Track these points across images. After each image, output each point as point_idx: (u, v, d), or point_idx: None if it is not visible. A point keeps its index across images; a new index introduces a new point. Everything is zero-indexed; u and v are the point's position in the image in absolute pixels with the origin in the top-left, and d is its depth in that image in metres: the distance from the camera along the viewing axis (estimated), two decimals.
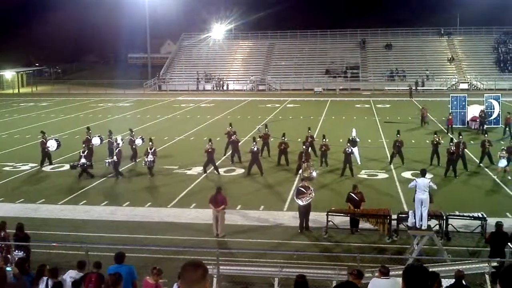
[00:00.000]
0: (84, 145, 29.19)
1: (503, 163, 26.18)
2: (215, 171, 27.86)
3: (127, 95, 72.01)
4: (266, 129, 32.76)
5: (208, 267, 14.78)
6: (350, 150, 27.28)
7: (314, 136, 32.19)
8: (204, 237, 19.01)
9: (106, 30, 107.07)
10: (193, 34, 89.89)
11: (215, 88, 77.24)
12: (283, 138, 29.43)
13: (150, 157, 27.84)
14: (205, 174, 27.78)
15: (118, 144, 28.62)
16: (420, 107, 42.18)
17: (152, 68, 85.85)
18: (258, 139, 30.78)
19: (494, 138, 33.40)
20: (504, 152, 26.45)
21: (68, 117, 50.55)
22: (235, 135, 30.44)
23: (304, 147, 27.96)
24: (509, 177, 26.03)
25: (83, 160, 27.49)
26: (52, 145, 29.97)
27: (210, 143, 27.98)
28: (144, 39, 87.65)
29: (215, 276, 13.99)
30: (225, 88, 77.11)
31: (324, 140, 29.04)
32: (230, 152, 30.78)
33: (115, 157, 27.50)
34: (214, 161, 28.16)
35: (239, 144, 30.64)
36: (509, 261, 14.04)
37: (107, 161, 27.89)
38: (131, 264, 12.80)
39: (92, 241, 17.86)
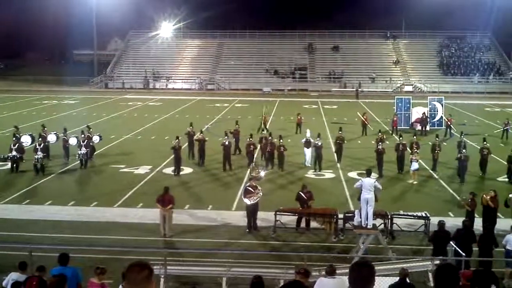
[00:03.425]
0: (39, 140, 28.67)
1: (414, 166, 26.13)
2: (175, 170, 27.37)
3: (73, 92, 70.42)
4: (237, 125, 33.09)
5: (155, 267, 14.53)
6: (319, 144, 28.14)
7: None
8: (152, 237, 18.83)
9: (52, 26, 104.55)
10: (141, 31, 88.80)
11: (144, 87, 76.26)
12: (251, 139, 29.40)
13: (83, 150, 28.10)
14: (176, 175, 27.21)
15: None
16: (361, 114, 40.87)
17: (98, 65, 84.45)
18: (230, 134, 30.84)
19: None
20: (416, 155, 26.53)
21: (11, 114, 49.08)
22: (201, 133, 29.81)
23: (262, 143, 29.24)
24: (415, 182, 26.05)
25: (14, 153, 27.23)
26: (26, 140, 29.28)
27: (177, 140, 27.61)
28: (91, 35, 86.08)
29: (163, 276, 13.87)
30: (151, 86, 76.23)
31: (281, 141, 28.87)
32: (191, 151, 30.36)
33: (40, 153, 27.07)
34: (180, 160, 27.65)
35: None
36: (452, 259, 14.48)
37: (36, 156, 27.28)
38: (76, 265, 12.56)
39: (36, 241, 17.41)
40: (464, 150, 26.69)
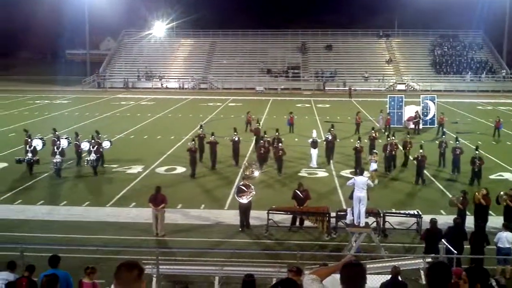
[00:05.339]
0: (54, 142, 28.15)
1: (373, 167, 25.72)
2: (192, 173, 26.83)
3: (65, 92, 70.11)
4: (257, 124, 33.84)
5: (147, 266, 14.46)
6: (330, 138, 29.48)
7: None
8: (144, 237, 18.78)
9: (44, 25, 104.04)
10: (134, 31, 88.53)
11: (124, 86, 76.13)
12: (261, 142, 29.13)
13: (93, 156, 27.30)
14: (192, 178, 26.66)
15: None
16: (355, 114, 40.87)
17: (91, 65, 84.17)
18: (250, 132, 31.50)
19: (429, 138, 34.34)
20: (375, 156, 26.08)
21: (2, 114, 48.81)
22: (213, 136, 28.98)
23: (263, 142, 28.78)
24: (376, 182, 25.13)
25: (29, 155, 26.86)
26: (37, 144, 28.75)
27: (193, 142, 27.48)
28: (83, 35, 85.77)
29: (155, 276, 13.83)
30: (130, 86, 76.21)
31: (280, 145, 28.31)
32: (201, 154, 29.44)
33: (59, 157, 26.60)
34: (196, 162, 27.14)
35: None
36: (443, 257, 14.51)
37: (54, 160, 26.68)
38: (68, 265, 12.50)
39: (27, 241, 17.30)
40: (421, 151, 25.91)
